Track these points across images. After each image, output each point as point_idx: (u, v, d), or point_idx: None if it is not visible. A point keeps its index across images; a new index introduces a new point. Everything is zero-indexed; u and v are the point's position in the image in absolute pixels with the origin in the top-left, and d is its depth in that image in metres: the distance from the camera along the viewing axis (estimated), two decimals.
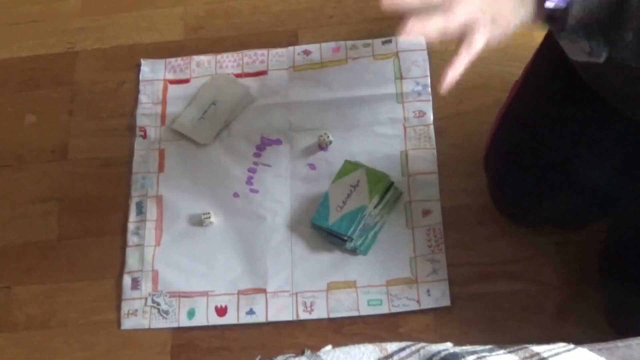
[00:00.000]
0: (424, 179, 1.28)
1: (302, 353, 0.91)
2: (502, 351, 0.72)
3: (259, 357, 0.96)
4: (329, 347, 0.97)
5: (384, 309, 1.20)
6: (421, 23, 0.69)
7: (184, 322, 1.24)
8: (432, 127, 1.32)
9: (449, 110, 1.33)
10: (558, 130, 1.03)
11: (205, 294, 1.25)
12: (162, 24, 1.51)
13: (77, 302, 1.29)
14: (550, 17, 0.70)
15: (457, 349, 0.74)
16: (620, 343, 0.83)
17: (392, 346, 0.75)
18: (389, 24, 1.43)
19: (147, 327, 1.24)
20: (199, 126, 1.37)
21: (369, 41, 1.41)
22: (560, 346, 0.76)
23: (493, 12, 0.67)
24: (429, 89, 1.35)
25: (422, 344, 0.76)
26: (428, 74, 1.36)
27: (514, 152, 1.10)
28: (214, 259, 1.28)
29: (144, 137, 1.39)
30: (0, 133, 1.45)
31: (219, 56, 1.45)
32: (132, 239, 1.31)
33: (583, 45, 0.74)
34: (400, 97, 1.35)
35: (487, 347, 0.73)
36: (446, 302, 1.19)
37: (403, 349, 0.75)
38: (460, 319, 1.19)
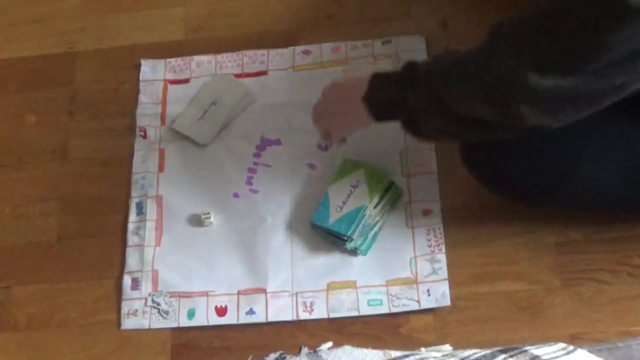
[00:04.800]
0: (424, 179, 1.28)
1: (299, 351, 0.91)
2: (502, 356, 0.72)
3: (251, 357, 0.96)
4: (329, 343, 0.97)
5: (384, 309, 1.20)
6: None
7: (184, 322, 1.24)
8: None
9: None
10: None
11: (205, 294, 1.25)
12: (162, 24, 1.51)
13: (77, 302, 1.29)
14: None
15: (458, 358, 0.74)
16: (620, 343, 0.83)
17: (395, 353, 0.75)
18: (389, 24, 1.43)
19: (147, 327, 1.24)
20: (199, 126, 1.38)
21: (369, 41, 1.41)
22: (560, 347, 0.76)
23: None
24: None
25: (426, 355, 0.76)
26: None
27: None
28: (214, 259, 1.28)
29: (144, 137, 1.39)
30: (0, 133, 1.45)
31: (219, 56, 1.45)
32: (132, 239, 1.31)
33: None
34: None
35: (488, 352, 0.73)
36: (446, 302, 1.19)
37: (407, 356, 0.75)
38: (460, 319, 1.19)
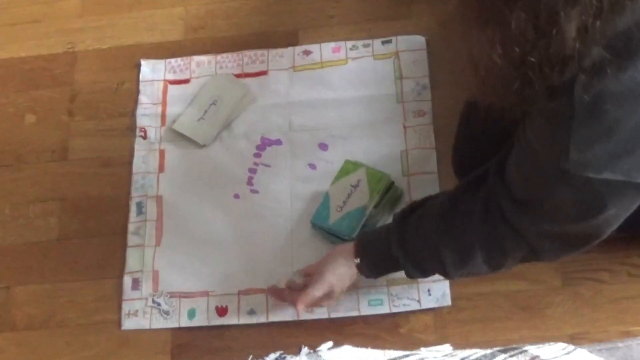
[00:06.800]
0: (424, 178, 1.28)
1: (299, 351, 0.92)
2: (502, 356, 0.72)
3: (251, 357, 0.96)
4: (329, 343, 0.97)
5: (384, 309, 1.20)
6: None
7: (185, 323, 1.24)
8: (432, 126, 1.32)
9: (449, 110, 1.33)
10: None
11: (205, 294, 1.25)
12: (162, 24, 1.50)
13: (77, 302, 1.29)
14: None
15: (458, 358, 0.74)
16: (620, 343, 0.83)
17: (396, 353, 0.75)
18: (389, 24, 1.43)
19: (147, 327, 1.24)
20: (199, 127, 1.37)
21: (369, 41, 1.41)
22: (560, 347, 0.76)
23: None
24: (429, 89, 1.35)
25: (426, 355, 0.76)
26: (428, 73, 1.36)
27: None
28: (215, 259, 1.28)
29: (144, 137, 1.39)
30: (0, 133, 1.45)
31: (219, 56, 1.45)
32: (132, 239, 1.31)
33: None
34: (400, 97, 1.35)
35: (488, 352, 0.73)
36: (447, 302, 1.19)
37: (407, 356, 0.75)
38: (460, 319, 1.19)
